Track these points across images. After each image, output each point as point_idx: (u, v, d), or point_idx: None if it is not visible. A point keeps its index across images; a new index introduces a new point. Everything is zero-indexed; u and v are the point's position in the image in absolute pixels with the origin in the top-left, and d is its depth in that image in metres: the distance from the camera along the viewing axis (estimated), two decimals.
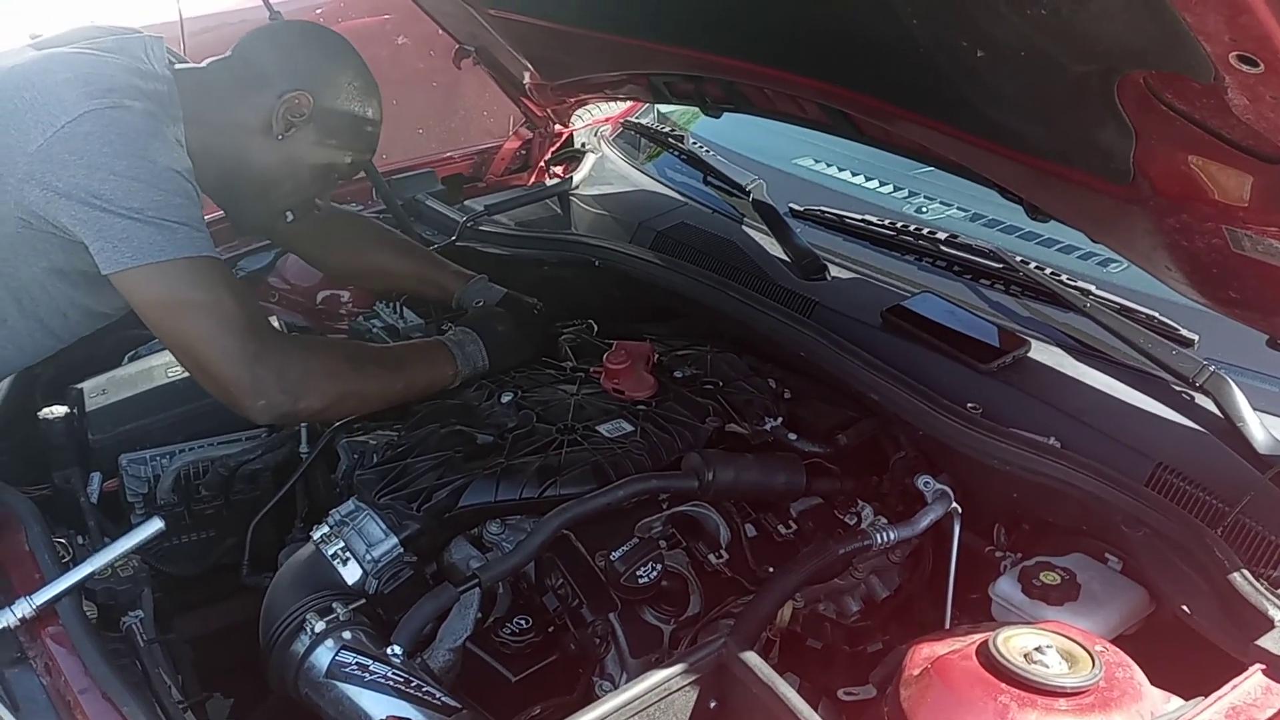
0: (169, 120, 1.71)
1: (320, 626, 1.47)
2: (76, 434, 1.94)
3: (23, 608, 1.38)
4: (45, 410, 1.92)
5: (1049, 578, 1.41)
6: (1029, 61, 1.23)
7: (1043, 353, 1.78)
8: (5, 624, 1.37)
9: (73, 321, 1.82)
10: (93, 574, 1.45)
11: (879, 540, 1.52)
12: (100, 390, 2.04)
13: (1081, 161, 1.37)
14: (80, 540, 1.67)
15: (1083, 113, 1.25)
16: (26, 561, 1.51)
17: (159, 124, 1.67)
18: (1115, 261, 1.86)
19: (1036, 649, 1.15)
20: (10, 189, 1.61)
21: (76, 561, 1.51)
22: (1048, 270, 1.85)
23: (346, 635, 1.46)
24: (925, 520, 1.56)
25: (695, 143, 2.57)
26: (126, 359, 2.20)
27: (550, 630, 1.56)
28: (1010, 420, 1.64)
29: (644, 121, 2.86)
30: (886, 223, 2.12)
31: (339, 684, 1.42)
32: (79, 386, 2.05)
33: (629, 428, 1.77)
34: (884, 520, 1.62)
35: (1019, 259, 1.89)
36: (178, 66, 1.82)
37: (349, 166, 1.97)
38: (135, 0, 4.02)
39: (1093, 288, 1.79)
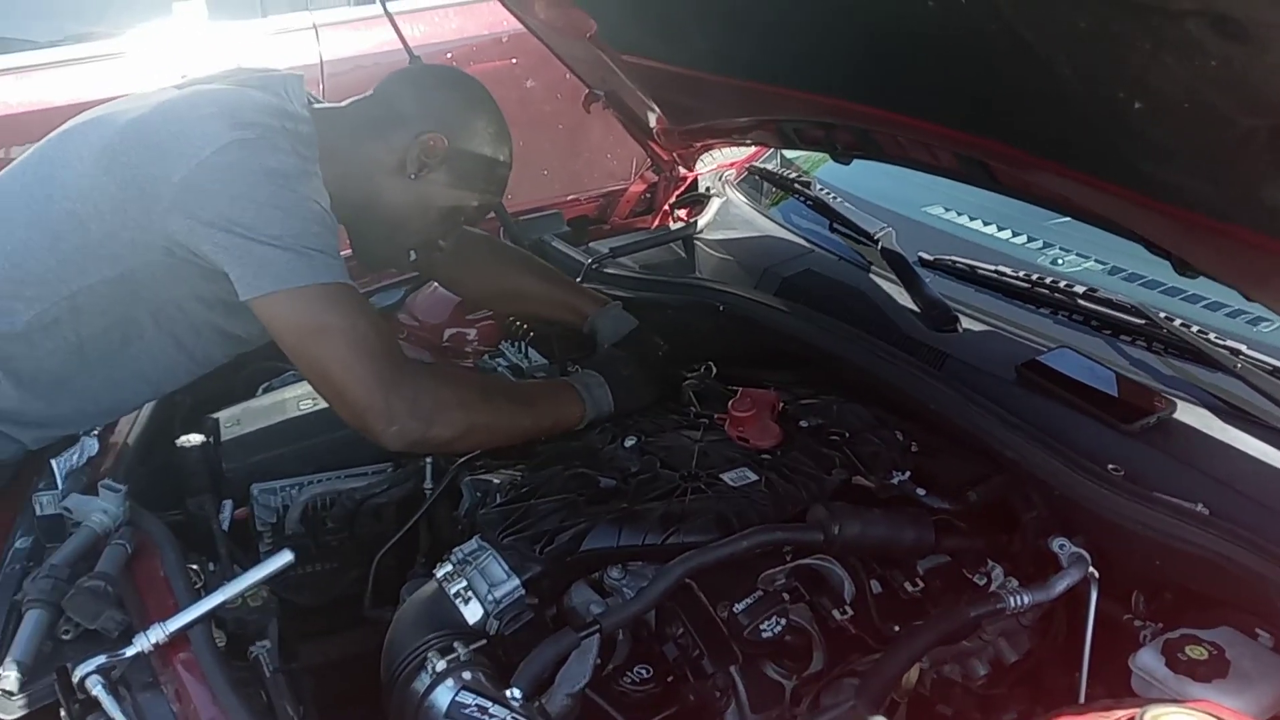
0: (308, 156, 1.75)
1: (441, 666, 1.46)
2: (211, 462, 2.00)
3: (156, 633, 1.40)
4: (182, 438, 1.98)
5: (1196, 652, 1.33)
6: (1192, 114, 1.17)
7: (1189, 414, 1.70)
8: (140, 648, 1.40)
9: (206, 340, 1.87)
10: (225, 602, 1.47)
11: (1013, 604, 1.46)
12: (235, 420, 2.10)
13: (1242, 217, 1.31)
14: (211, 567, 1.71)
15: (1248, 167, 1.19)
16: (161, 587, 1.54)
17: (300, 158, 1.72)
18: (1267, 320, 1.78)
19: None
20: (156, 218, 1.66)
21: (208, 588, 1.54)
22: (1194, 328, 1.77)
23: (467, 675, 1.45)
24: (1061, 584, 1.49)
25: (821, 188, 2.54)
26: (260, 390, 2.26)
27: (669, 680, 1.53)
28: (1154, 484, 1.56)
29: (767, 166, 2.84)
30: (1021, 274, 2.05)
31: None
32: (215, 416, 2.12)
33: (753, 477, 1.74)
34: (1015, 582, 1.56)
35: (1163, 315, 1.81)
36: (315, 106, 1.88)
37: (476, 210, 2.00)
38: (280, 45, 4.21)
39: (1243, 347, 1.70)
